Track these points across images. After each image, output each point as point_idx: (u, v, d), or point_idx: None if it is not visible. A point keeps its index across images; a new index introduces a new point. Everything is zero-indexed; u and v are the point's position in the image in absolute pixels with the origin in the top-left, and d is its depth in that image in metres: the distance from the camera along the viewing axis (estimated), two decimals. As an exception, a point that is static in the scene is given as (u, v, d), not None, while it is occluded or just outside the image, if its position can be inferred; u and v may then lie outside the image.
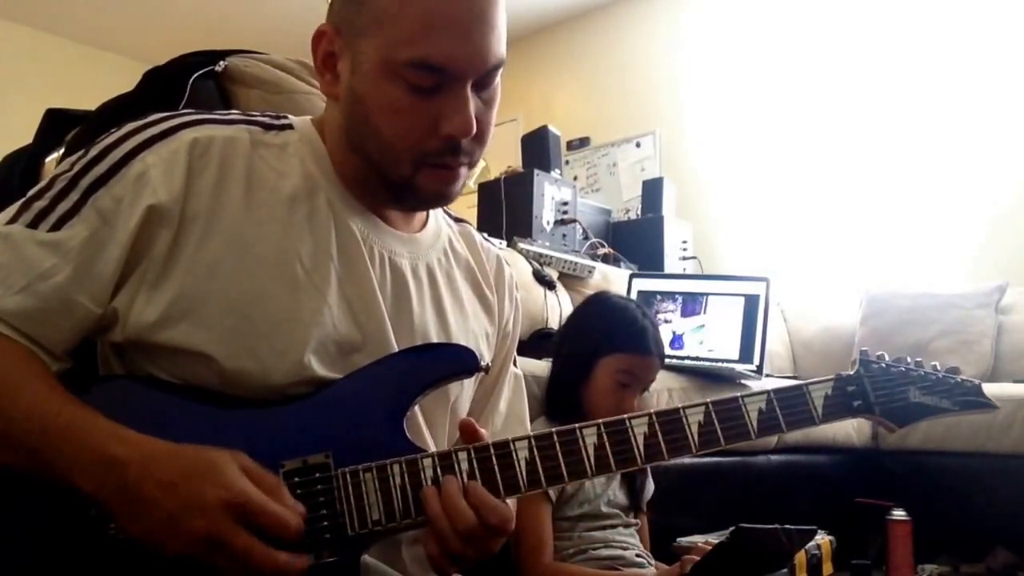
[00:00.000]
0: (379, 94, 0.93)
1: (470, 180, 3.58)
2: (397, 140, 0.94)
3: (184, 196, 0.92)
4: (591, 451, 0.93)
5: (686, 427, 0.96)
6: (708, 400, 0.98)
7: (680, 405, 0.97)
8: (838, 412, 1.03)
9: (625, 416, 0.95)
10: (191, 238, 0.92)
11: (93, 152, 0.94)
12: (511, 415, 1.23)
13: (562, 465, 0.92)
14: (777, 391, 1.01)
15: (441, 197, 1.01)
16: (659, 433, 0.95)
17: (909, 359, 1.08)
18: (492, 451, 0.91)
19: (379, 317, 0.99)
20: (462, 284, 1.13)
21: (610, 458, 0.93)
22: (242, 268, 0.93)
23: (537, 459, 0.91)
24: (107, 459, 0.80)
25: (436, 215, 1.15)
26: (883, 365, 1.06)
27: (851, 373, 1.05)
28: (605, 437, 0.94)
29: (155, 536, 0.79)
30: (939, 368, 1.08)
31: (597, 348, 1.74)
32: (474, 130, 0.93)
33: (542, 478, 0.91)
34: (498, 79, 0.98)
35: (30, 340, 0.88)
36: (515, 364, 1.27)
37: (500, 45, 0.94)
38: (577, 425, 0.94)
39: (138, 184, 0.91)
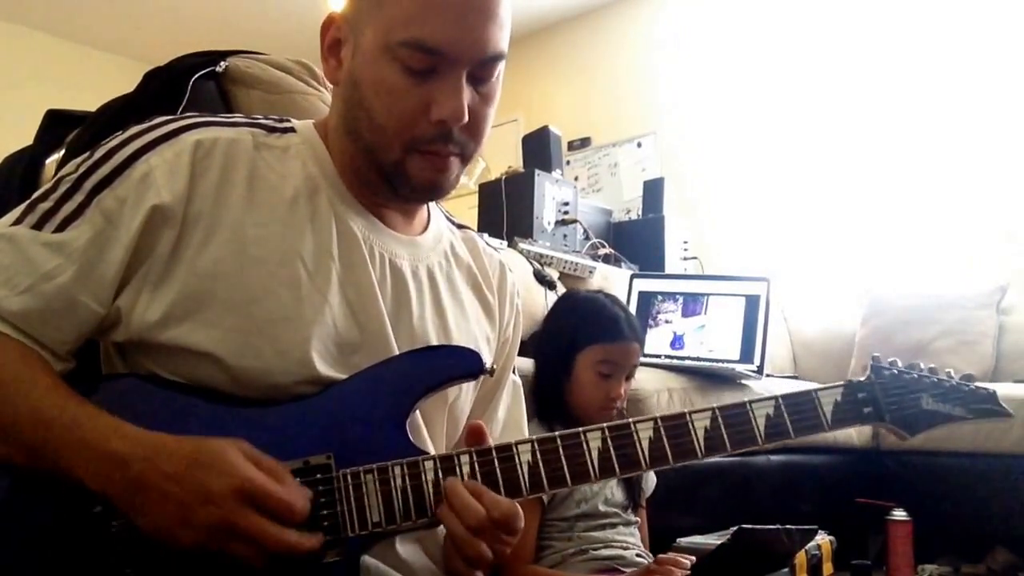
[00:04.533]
0: (375, 75, 0.93)
1: (470, 180, 3.59)
2: (388, 122, 0.94)
3: (187, 197, 0.93)
4: (595, 455, 0.93)
5: (692, 432, 0.95)
6: (715, 406, 0.97)
7: (687, 410, 0.96)
8: (848, 419, 1.01)
9: (631, 420, 0.95)
10: (194, 238, 0.93)
11: (98, 154, 0.95)
12: (510, 422, 1.23)
13: (565, 468, 0.92)
14: (785, 396, 0.99)
15: (433, 187, 1.00)
16: (664, 438, 0.95)
17: (922, 365, 1.06)
18: (494, 454, 0.91)
19: (379, 317, 0.99)
20: (463, 287, 1.13)
21: (614, 462, 0.93)
22: (244, 268, 0.93)
23: (540, 463, 0.91)
24: (111, 455, 0.81)
25: (437, 220, 1.15)
26: (895, 371, 1.04)
27: (862, 379, 1.03)
28: (609, 441, 0.93)
29: (165, 528, 0.79)
30: (953, 375, 1.06)
31: (572, 345, 1.74)
32: (465, 118, 0.93)
33: (544, 481, 0.91)
34: (497, 75, 0.98)
35: (34, 341, 0.89)
36: (514, 372, 1.27)
37: (500, 37, 0.95)
38: (581, 428, 0.94)
39: (142, 185, 0.92)
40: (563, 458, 0.92)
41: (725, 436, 0.96)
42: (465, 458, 0.90)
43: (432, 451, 0.97)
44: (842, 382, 1.02)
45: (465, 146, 0.98)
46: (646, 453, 0.94)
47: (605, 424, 0.94)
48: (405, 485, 0.88)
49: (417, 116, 0.93)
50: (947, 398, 1.04)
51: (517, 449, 0.91)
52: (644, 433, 0.94)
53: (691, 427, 0.96)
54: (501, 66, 0.97)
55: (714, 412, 0.97)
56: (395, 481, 0.88)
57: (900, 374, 1.04)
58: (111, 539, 0.83)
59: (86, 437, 0.82)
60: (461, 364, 1.00)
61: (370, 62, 0.94)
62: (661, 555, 1.58)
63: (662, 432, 0.95)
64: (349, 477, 0.88)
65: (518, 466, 0.91)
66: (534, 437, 0.93)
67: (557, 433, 0.93)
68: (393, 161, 0.96)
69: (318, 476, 0.87)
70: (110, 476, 0.81)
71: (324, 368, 0.94)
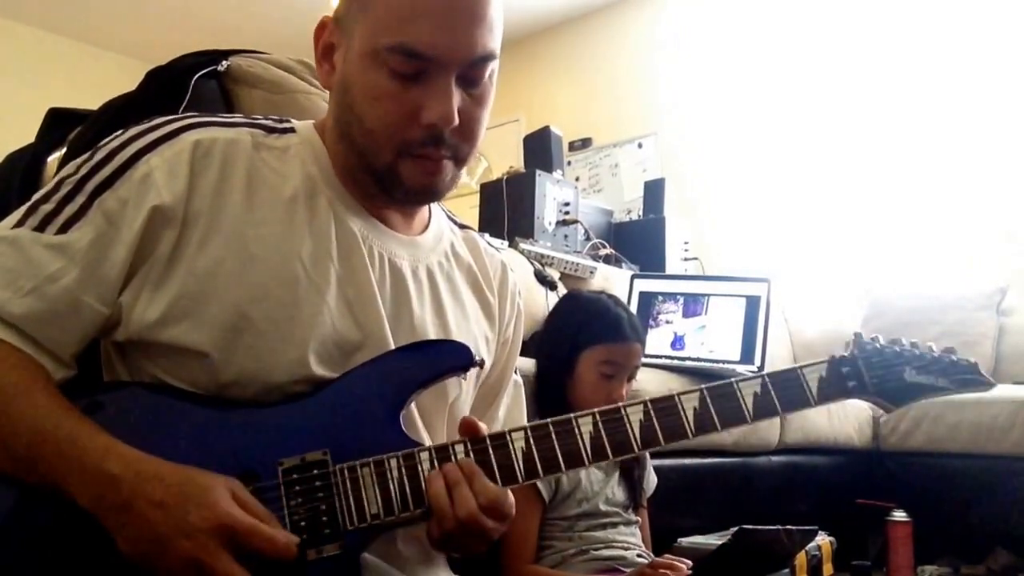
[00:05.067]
0: (364, 80, 0.94)
1: (472, 179, 3.57)
2: (379, 127, 0.94)
3: (187, 197, 0.93)
4: (587, 439, 0.94)
5: (681, 412, 0.96)
6: (703, 386, 0.98)
7: (675, 392, 0.97)
8: (833, 393, 1.02)
9: (620, 404, 0.96)
10: (193, 238, 0.93)
11: (98, 156, 0.95)
12: (509, 422, 1.23)
13: (558, 454, 0.92)
14: (771, 374, 1.00)
15: (427, 190, 1.00)
16: (654, 419, 0.96)
17: (905, 340, 1.08)
18: (488, 443, 0.92)
19: (378, 317, 0.99)
20: (463, 287, 1.13)
21: (606, 445, 0.94)
22: (243, 268, 0.94)
23: (534, 449, 0.92)
24: (102, 475, 0.81)
25: (438, 220, 1.15)
26: (877, 346, 1.06)
27: (845, 355, 1.05)
28: (601, 425, 0.94)
29: (144, 555, 0.80)
30: (934, 348, 1.08)
31: (575, 344, 1.74)
32: (455, 121, 0.93)
33: (539, 467, 0.92)
34: (488, 76, 0.97)
35: (37, 345, 0.89)
36: (516, 372, 1.27)
37: (489, 38, 0.94)
38: (573, 414, 0.95)
39: (143, 186, 0.92)
40: (556, 444, 0.93)
41: (714, 415, 0.97)
42: (460, 447, 0.91)
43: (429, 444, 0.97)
44: (826, 358, 1.03)
45: (458, 149, 0.97)
46: (637, 435, 0.95)
47: (596, 409, 0.95)
48: (402, 476, 0.89)
49: (407, 120, 0.93)
50: (929, 370, 1.06)
51: (511, 437, 0.92)
52: (635, 416, 0.95)
53: (680, 408, 0.97)
54: (493, 66, 0.97)
55: (702, 392, 0.98)
56: (391, 473, 0.89)
57: (883, 348, 1.06)
58: (111, 541, 0.83)
59: (81, 455, 0.82)
60: (451, 358, 1.00)
61: (359, 67, 0.94)
62: (656, 558, 1.59)
63: (652, 414, 0.96)
64: (346, 471, 0.88)
65: (512, 452, 0.92)
66: (527, 424, 0.93)
67: (549, 420, 0.94)
68: (385, 165, 0.96)
69: (315, 472, 0.88)
70: (101, 496, 0.81)
71: (321, 369, 0.95)
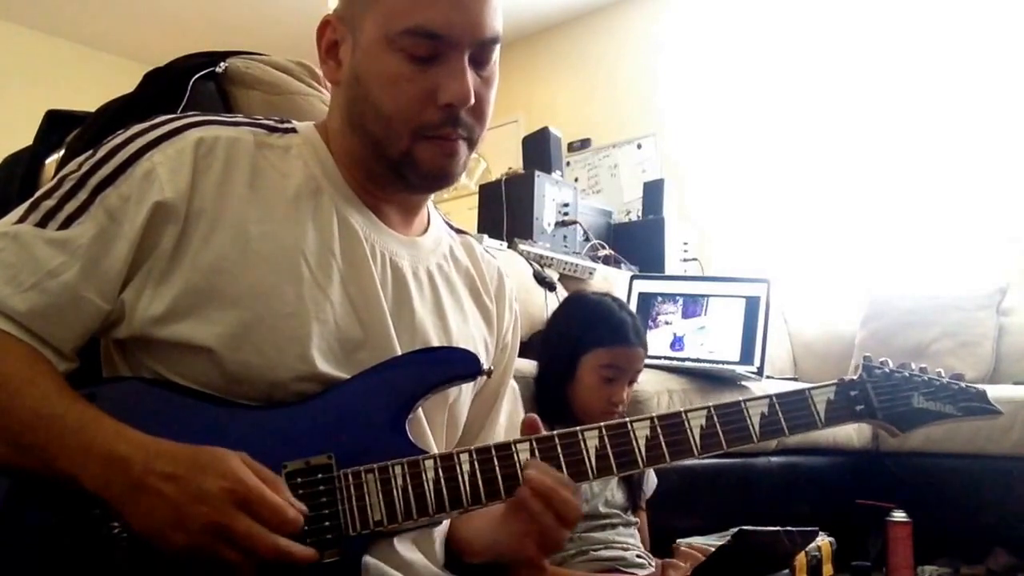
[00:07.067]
0: (379, 67, 0.95)
1: (470, 181, 3.57)
2: (396, 111, 0.95)
3: (190, 193, 0.93)
4: (592, 453, 0.93)
5: (688, 430, 0.96)
6: (710, 404, 0.98)
7: (682, 409, 0.97)
8: (840, 416, 1.03)
9: (628, 419, 0.95)
10: (197, 234, 0.93)
11: (101, 152, 0.95)
12: (510, 427, 1.23)
13: (563, 467, 0.92)
14: (779, 395, 1.01)
15: (442, 173, 1.01)
16: (661, 436, 0.95)
17: (913, 365, 1.08)
18: (493, 452, 0.91)
19: (381, 314, 0.99)
20: (462, 290, 1.14)
21: (611, 460, 0.94)
22: (246, 264, 0.94)
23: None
24: (112, 458, 0.81)
25: (436, 223, 1.15)
26: (886, 370, 1.06)
27: (854, 378, 1.05)
28: (607, 440, 0.94)
29: (160, 530, 0.80)
30: (943, 374, 1.08)
31: (577, 347, 1.74)
32: (471, 99, 0.95)
33: None
34: (495, 58, 1.00)
35: (39, 339, 0.89)
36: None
37: (495, 19, 0.97)
38: (579, 428, 0.94)
39: (145, 182, 0.92)
40: (561, 457, 0.92)
41: (721, 434, 0.97)
42: (465, 456, 0.91)
43: (433, 451, 0.97)
44: (834, 381, 1.04)
45: (472, 130, 0.99)
46: (643, 452, 0.95)
47: (602, 423, 0.95)
48: (406, 484, 0.89)
49: (424, 102, 0.95)
50: (937, 396, 1.06)
51: (515, 448, 0.92)
52: (641, 432, 0.95)
53: (687, 426, 0.97)
54: (498, 50, 1.00)
55: (709, 411, 0.98)
56: (396, 480, 0.89)
57: (891, 373, 1.06)
58: (110, 542, 0.83)
59: (90, 440, 0.82)
60: (460, 365, 1.00)
61: (373, 55, 0.95)
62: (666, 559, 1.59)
63: (659, 431, 0.96)
64: (350, 476, 0.88)
65: (517, 464, 0.91)
66: (532, 436, 0.93)
67: (555, 432, 0.93)
68: (402, 151, 0.97)
69: (319, 476, 0.87)
70: (111, 478, 0.81)
71: (325, 365, 0.95)
